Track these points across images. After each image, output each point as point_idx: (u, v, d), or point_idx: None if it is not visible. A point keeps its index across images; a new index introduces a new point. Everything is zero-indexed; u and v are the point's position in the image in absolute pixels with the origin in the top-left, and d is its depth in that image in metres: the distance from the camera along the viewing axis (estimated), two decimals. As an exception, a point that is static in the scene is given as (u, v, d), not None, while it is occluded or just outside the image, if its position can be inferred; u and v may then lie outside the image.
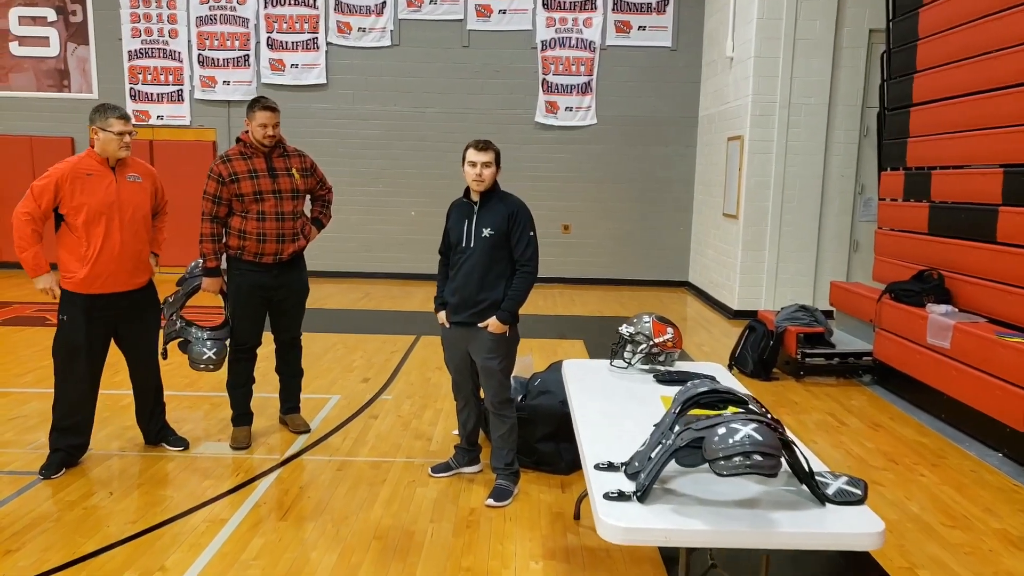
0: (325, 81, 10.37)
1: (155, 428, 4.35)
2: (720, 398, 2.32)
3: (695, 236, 10.69)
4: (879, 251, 6.75)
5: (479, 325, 3.71)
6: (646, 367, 3.45)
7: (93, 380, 4.06)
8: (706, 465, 2.08)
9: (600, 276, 10.89)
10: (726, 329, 8.23)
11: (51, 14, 10.23)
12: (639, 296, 10.15)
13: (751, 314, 8.72)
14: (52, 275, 3.93)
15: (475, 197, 3.74)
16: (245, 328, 4.36)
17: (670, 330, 3.46)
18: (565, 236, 10.78)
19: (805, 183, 8.52)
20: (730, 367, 6.42)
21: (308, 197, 4.51)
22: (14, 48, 10.29)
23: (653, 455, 2.19)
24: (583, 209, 10.72)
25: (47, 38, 10.29)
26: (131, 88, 10.40)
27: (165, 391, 4.39)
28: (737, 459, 1.98)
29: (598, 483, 2.22)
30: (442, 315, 3.85)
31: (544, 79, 10.38)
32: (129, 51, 10.32)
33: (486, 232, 3.69)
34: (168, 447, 4.33)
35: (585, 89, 10.39)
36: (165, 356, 4.33)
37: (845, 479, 2.22)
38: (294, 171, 4.35)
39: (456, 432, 4.64)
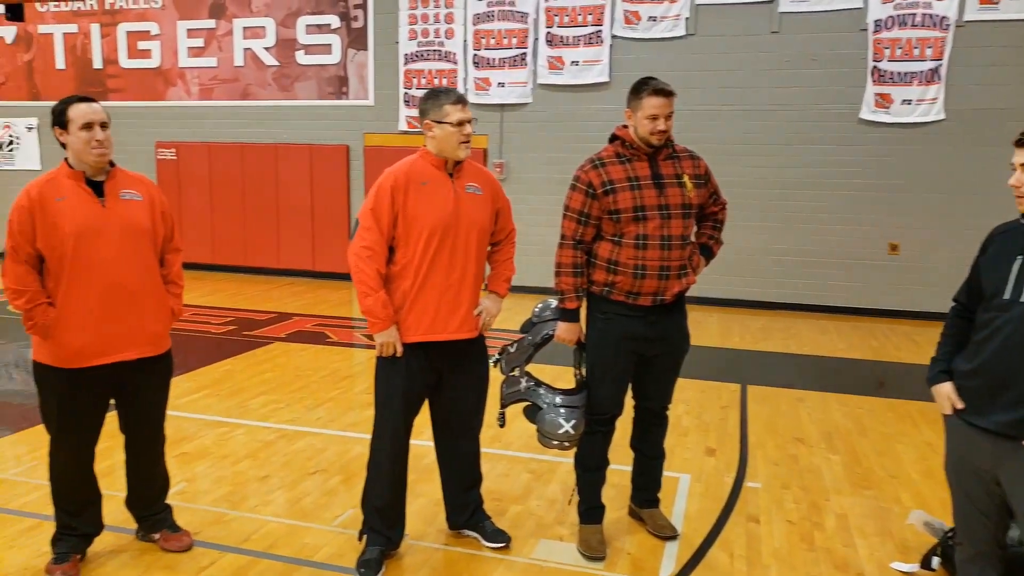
0: (607, 79, 9.24)
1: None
2: None
3: (1081, 264, 8.15)
4: None
5: None
6: None
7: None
8: None
9: (936, 310, 8.69)
10: None
11: (335, 21, 10.12)
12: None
13: None
14: (395, 328, 3.00)
15: None
16: (607, 392, 3.18)
17: None
18: (892, 258, 8.74)
19: None
20: None
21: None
22: (300, 57, 10.32)
23: None
24: (918, 226, 8.62)
25: (329, 45, 10.19)
26: (405, 93, 10.01)
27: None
28: None
29: None
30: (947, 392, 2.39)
31: (875, 67, 8.46)
32: (405, 54, 9.93)
33: None
34: (484, 542, 3.26)
35: (931, 77, 8.31)
36: (502, 423, 3.29)
37: None
38: (686, 179, 3.11)
39: (899, 568, 3.14)
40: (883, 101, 8.49)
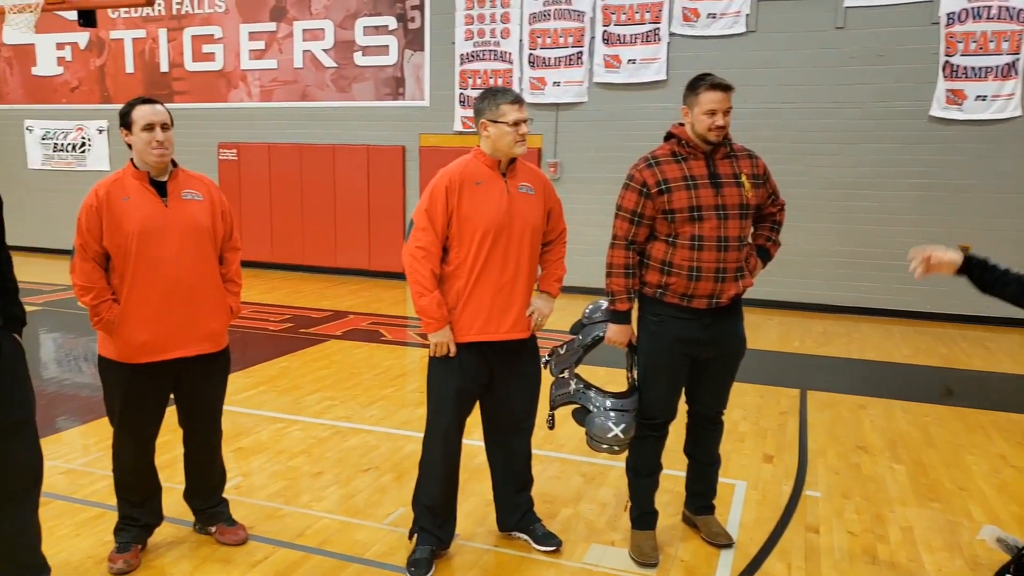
0: (665, 77, 9.10)
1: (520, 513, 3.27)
2: None
3: None
4: None
5: None
6: None
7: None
8: None
9: (1010, 315, 8.31)
10: None
11: (392, 22, 10.23)
12: (1081, 348, 7.49)
13: None
14: (449, 328, 3.00)
15: None
16: (659, 396, 3.12)
17: None
18: (962, 262, 8.37)
19: None
20: None
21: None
22: (358, 58, 10.46)
23: None
24: (991, 227, 8.25)
25: (387, 47, 10.31)
26: (460, 94, 10.05)
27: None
28: None
29: None
30: None
31: (947, 62, 8.12)
32: (461, 55, 9.97)
33: None
34: (535, 545, 3.23)
35: (1007, 72, 7.94)
36: (552, 425, 3.25)
37: None
38: (743, 178, 3.03)
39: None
40: (955, 97, 8.14)
